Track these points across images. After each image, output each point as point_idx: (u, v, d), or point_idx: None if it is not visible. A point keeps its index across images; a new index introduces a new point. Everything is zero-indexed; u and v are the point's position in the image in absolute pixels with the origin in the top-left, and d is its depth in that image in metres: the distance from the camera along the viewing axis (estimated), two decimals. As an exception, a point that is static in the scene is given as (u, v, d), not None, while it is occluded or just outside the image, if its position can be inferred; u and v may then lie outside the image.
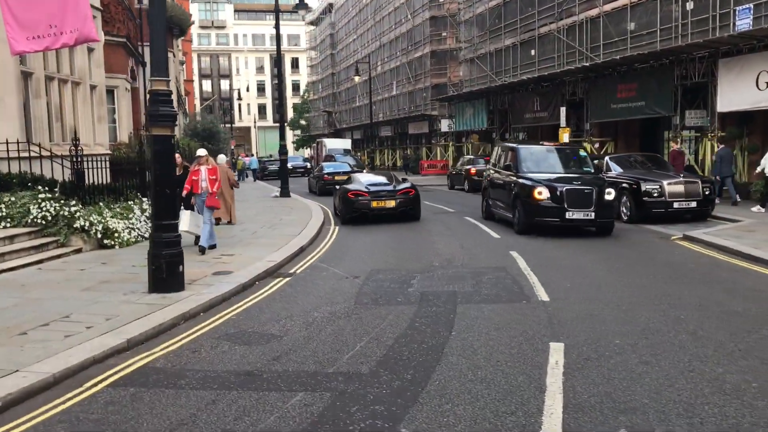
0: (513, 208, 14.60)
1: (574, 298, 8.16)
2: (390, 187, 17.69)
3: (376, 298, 8.45)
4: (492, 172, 17.05)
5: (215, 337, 6.92)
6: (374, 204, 17.17)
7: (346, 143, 51.84)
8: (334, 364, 5.86)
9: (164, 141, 8.55)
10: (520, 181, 14.37)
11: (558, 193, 13.52)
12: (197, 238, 12.27)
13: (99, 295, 8.57)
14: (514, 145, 16.15)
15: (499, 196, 16.03)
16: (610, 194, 13.68)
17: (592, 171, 15.27)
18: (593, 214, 13.48)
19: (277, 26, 26.81)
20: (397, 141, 57.36)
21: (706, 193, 16.10)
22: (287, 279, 10.08)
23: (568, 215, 13.43)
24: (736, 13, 20.07)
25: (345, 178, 23.24)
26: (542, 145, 16.27)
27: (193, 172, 12.71)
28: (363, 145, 63.18)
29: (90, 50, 15.75)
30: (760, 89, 18.99)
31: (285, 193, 26.39)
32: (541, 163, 15.09)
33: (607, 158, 18.37)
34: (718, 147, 20.24)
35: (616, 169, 17.61)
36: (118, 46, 18.52)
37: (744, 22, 19.67)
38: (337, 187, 20.12)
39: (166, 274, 8.59)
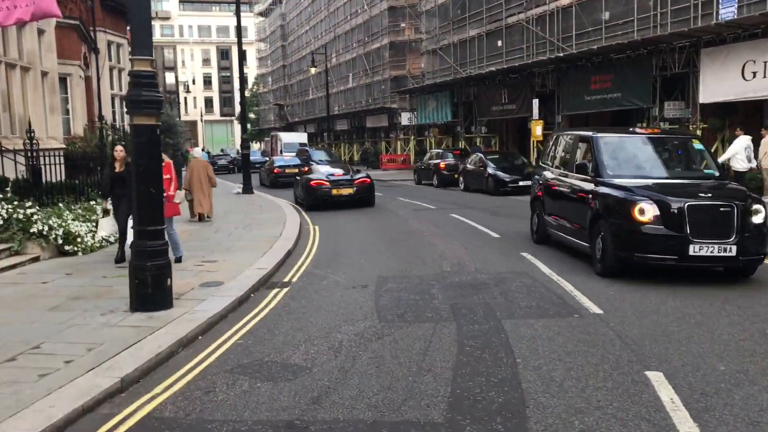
0: (592, 235, 9.28)
1: (628, 309, 7.17)
2: (348, 177, 19.56)
3: (402, 314, 7.30)
4: (549, 174, 11.64)
5: (227, 371, 5.68)
6: (334, 192, 19.01)
7: (302, 137, 50.37)
8: (394, 408, 4.70)
9: (148, 131, 7.20)
10: (605, 190, 9.13)
11: (674, 211, 8.21)
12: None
13: (72, 315, 7.18)
14: (590, 133, 10.33)
15: (563, 212, 10.76)
16: (759, 214, 8.39)
17: (717, 173, 9.85)
18: (734, 248, 8.09)
19: (237, 13, 25.31)
20: (354, 135, 56.10)
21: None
22: (285, 290, 8.83)
23: (693, 250, 8.06)
24: (720, 1, 19.59)
25: (295, 171, 25.88)
26: (633, 133, 10.88)
27: None
28: (317, 139, 61.69)
29: (40, 32, 14.06)
30: (746, 79, 18.55)
31: (248, 189, 24.95)
32: (635, 162, 9.77)
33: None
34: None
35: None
36: (71, 29, 16.77)
37: (728, 11, 19.21)
38: (298, 177, 21.75)
39: (152, 288, 7.26)
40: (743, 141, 15.98)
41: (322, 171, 20.31)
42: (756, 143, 16.28)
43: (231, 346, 6.37)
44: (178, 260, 10.30)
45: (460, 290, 8.36)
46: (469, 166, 25.00)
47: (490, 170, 23.03)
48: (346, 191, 19.06)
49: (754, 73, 18.25)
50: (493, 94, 31.94)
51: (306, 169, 22.33)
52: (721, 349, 5.76)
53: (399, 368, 5.52)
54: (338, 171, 20.27)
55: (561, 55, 25.52)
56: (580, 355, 5.69)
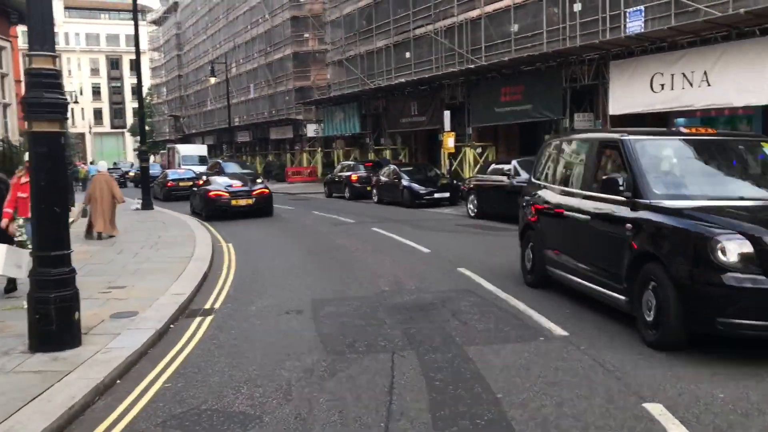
0: (633, 284, 6.33)
1: (593, 329, 6.69)
2: (247, 188, 20.25)
3: (351, 344, 6.52)
4: (548, 194, 8.62)
5: (159, 424, 4.73)
6: (233, 202, 19.63)
7: (201, 149, 48.67)
8: (376, 467, 3.94)
9: (51, 140, 6.11)
10: (657, 219, 6.18)
11: None
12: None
13: (-45, 361, 5.97)
14: (617, 135, 7.31)
15: (576, 247, 7.72)
16: None
17: None
18: None
19: (135, 19, 23.77)
20: (257, 147, 54.58)
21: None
22: (209, 318, 7.86)
23: None
24: (627, 15, 20.03)
25: (189, 184, 26.48)
26: (679, 134, 7.84)
27: (18, 186, 8.77)
28: (216, 151, 59.66)
29: None
30: (654, 91, 18.98)
31: (147, 204, 23.33)
32: (692, 175, 6.98)
33: (514, 162, 17.49)
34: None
35: (524, 174, 16.75)
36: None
37: (635, 24, 19.65)
38: (195, 189, 22.29)
39: (56, 324, 6.15)
40: None
41: (220, 182, 20.76)
42: None
43: (158, 391, 5.40)
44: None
45: (407, 313, 7.68)
46: (383, 179, 24.49)
47: (404, 182, 22.59)
48: (245, 202, 19.73)
49: (662, 85, 18.70)
50: (403, 106, 31.67)
51: (201, 181, 22.38)
52: (710, 372, 5.34)
53: (366, 413, 4.76)
54: (236, 182, 20.72)
55: (471, 66, 25.54)
56: (564, 386, 5.12)
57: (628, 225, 6.47)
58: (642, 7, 19.47)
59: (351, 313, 7.74)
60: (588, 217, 7.33)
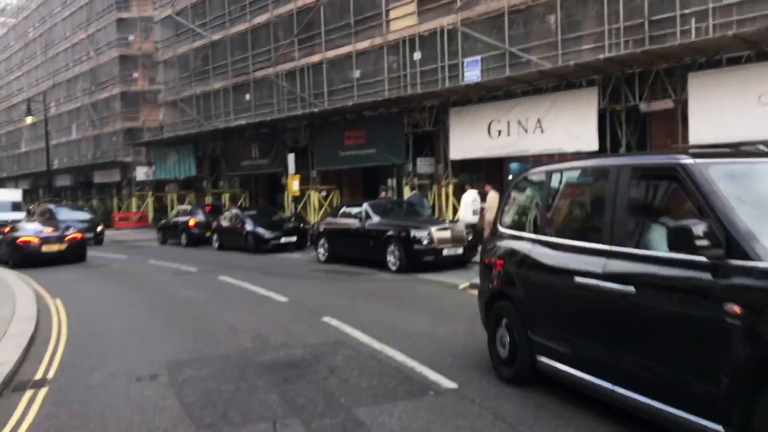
0: (754, 413, 3.61)
1: (481, 379, 6.39)
2: (58, 233, 20.02)
3: (224, 414, 5.72)
4: (534, 248, 5.87)
5: None
6: (44, 248, 19.33)
7: (15, 194, 44.17)
8: None
9: None
10: None
11: None
12: None
13: None
14: (669, 160, 4.55)
15: (604, 334, 4.89)
16: None
17: None
18: None
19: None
20: (80, 191, 50.66)
21: (469, 238, 15.84)
22: (43, 391, 6.69)
23: None
24: (465, 64, 20.86)
25: None
26: (765, 153, 4.83)
27: None
28: (32, 196, 54.70)
29: None
30: (492, 137, 19.79)
31: (-48, 257, 20.55)
32: None
33: (365, 205, 17.30)
34: (411, 193, 20.82)
35: (375, 217, 16.63)
36: None
37: (473, 74, 20.52)
38: (1, 236, 21.30)
39: None
40: (470, 195, 16.63)
41: (30, 228, 20.46)
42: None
43: (-13, 496, 4.34)
44: None
45: (280, 372, 6.97)
46: (224, 224, 23.42)
47: (248, 227, 21.70)
48: (57, 247, 19.52)
49: (500, 132, 19.56)
50: (243, 148, 30.77)
51: (8, 229, 21.45)
52: (612, 417, 5.18)
53: (260, 501, 4.06)
54: (48, 228, 20.48)
55: (314, 110, 25.37)
56: (473, 448, 4.73)
57: (731, 306, 3.81)
58: (478, 58, 20.41)
59: (215, 376, 6.90)
60: (629, 288, 4.56)
